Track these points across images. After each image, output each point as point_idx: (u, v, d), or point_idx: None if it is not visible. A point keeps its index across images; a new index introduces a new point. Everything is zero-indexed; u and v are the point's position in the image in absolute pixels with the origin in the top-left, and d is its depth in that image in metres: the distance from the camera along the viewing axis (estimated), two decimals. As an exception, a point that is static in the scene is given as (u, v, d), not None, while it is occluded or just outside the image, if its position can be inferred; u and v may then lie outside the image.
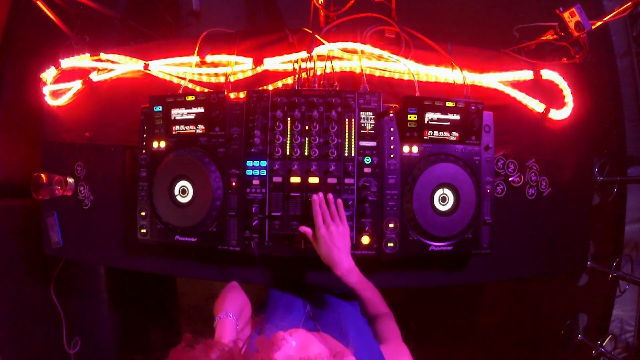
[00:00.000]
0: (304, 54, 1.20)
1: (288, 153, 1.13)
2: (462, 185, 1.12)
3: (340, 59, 1.23)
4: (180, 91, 1.25)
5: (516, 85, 1.28)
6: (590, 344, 1.61)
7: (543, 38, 1.26)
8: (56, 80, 1.44)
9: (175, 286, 2.50)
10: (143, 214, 1.19)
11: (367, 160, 1.12)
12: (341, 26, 1.28)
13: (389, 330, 0.94)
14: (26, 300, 1.66)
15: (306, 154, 1.13)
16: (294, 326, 0.88)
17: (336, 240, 0.98)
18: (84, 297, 1.83)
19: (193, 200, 1.13)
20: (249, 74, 1.26)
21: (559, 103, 1.31)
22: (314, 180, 1.11)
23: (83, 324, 1.82)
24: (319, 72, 1.20)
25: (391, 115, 1.13)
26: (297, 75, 1.19)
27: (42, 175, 1.32)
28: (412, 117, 1.12)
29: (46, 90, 1.42)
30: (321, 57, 1.22)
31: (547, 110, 1.28)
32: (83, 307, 1.83)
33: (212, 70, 1.27)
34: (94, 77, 1.36)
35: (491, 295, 2.40)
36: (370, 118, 1.13)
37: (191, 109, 1.15)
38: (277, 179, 1.12)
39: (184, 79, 1.28)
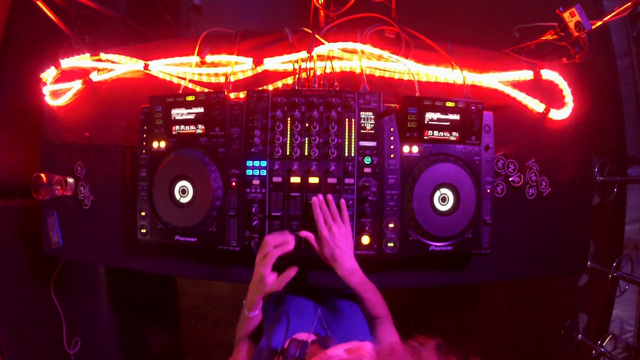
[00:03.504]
0: (304, 54, 1.20)
1: (288, 153, 1.13)
2: (462, 185, 1.12)
3: (340, 59, 1.23)
4: (180, 91, 1.25)
5: (516, 85, 1.28)
6: (590, 344, 1.61)
7: (543, 38, 1.26)
8: (56, 80, 1.44)
9: (175, 286, 2.50)
10: (143, 214, 1.19)
11: (367, 160, 1.12)
12: (341, 26, 1.28)
13: (388, 334, 0.97)
14: (26, 300, 1.66)
15: (306, 154, 1.13)
16: (306, 327, 0.90)
17: (338, 240, 0.98)
18: (84, 297, 1.83)
19: (193, 200, 1.13)
20: (249, 74, 1.26)
21: (559, 103, 1.31)
22: (314, 180, 1.11)
23: (83, 324, 1.83)
24: (319, 72, 1.20)
25: (391, 115, 1.13)
26: (297, 75, 1.19)
27: (42, 175, 1.32)
28: (412, 117, 1.12)
29: (46, 90, 1.42)
30: (321, 57, 1.21)
31: (547, 110, 1.28)
32: (83, 307, 1.83)
33: (212, 70, 1.27)
34: (94, 77, 1.36)
35: (491, 295, 2.40)
36: (370, 118, 1.13)
37: (191, 109, 1.15)
38: (277, 179, 1.12)
39: (184, 79, 1.27)
